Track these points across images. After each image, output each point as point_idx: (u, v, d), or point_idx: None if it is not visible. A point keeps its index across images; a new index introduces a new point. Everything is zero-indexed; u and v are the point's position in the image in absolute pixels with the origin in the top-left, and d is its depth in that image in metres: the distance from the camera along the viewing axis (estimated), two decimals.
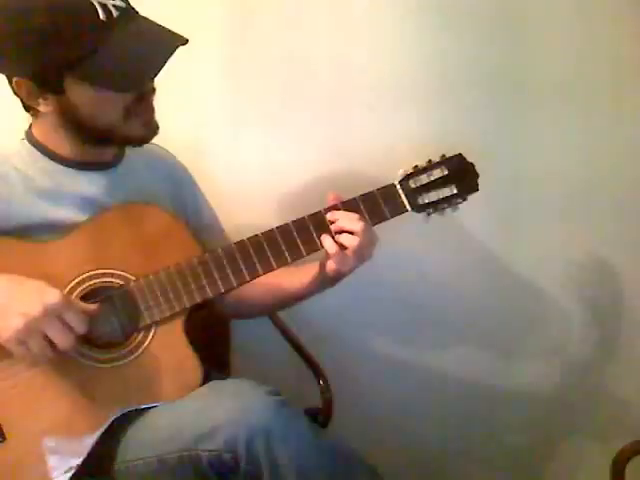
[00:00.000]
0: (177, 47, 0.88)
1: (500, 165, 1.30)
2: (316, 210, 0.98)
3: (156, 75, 0.91)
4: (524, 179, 1.36)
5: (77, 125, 0.94)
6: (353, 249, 0.95)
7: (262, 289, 1.09)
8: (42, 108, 0.93)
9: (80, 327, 0.85)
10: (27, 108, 0.97)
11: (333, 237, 0.97)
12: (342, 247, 0.96)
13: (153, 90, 0.96)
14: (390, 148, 1.30)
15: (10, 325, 0.81)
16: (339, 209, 0.98)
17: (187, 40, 0.89)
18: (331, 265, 0.96)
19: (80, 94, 0.90)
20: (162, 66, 0.88)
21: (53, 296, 0.83)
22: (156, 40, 0.90)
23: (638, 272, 1.40)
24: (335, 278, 1.00)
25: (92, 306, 0.90)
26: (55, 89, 0.90)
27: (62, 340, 0.84)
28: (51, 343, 0.84)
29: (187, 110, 1.31)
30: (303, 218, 0.98)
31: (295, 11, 1.29)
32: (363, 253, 0.97)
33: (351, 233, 0.95)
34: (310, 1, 1.29)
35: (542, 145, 1.35)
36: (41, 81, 0.89)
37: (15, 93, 0.93)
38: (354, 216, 0.96)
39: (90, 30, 0.85)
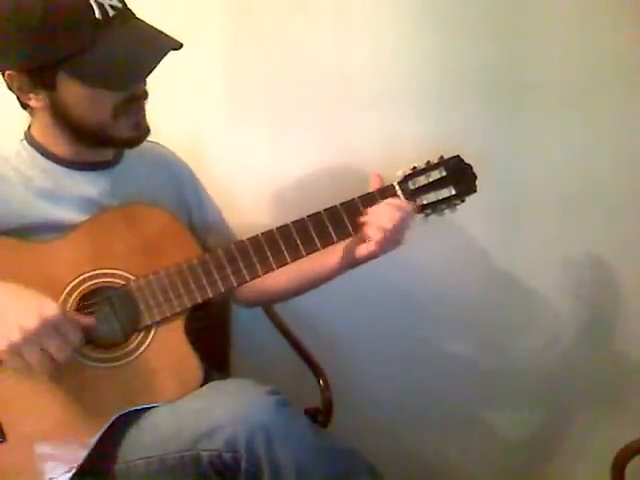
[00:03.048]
0: (169, 50, 0.88)
1: (499, 166, 1.31)
2: (316, 210, 0.98)
3: (146, 77, 0.91)
4: (523, 180, 1.37)
5: (68, 123, 0.94)
6: (390, 234, 0.95)
7: (285, 277, 1.08)
8: (33, 103, 0.93)
9: (76, 340, 0.84)
10: (22, 104, 0.97)
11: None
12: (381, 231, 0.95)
13: (145, 93, 0.96)
14: (389, 149, 1.30)
15: (6, 337, 0.80)
16: (339, 210, 0.98)
17: (181, 44, 0.89)
18: (369, 247, 0.96)
19: (70, 91, 0.90)
20: (152, 68, 0.88)
21: (50, 308, 0.82)
22: (149, 42, 0.90)
23: (636, 273, 1.40)
24: (362, 262, 1.00)
25: (89, 319, 0.90)
26: (46, 84, 0.90)
27: (59, 352, 0.82)
28: (49, 355, 0.82)
29: (188, 110, 1.32)
30: (303, 219, 0.98)
31: (297, 11, 1.29)
32: (399, 238, 0.97)
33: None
34: (312, 2, 1.29)
35: (541, 147, 1.35)
36: (33, 76, 0.89)
37: (8, 87, 0.93)
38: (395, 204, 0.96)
39: (85, 28, 0.86)
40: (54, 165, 0.98)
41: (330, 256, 1.03)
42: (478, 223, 1.36)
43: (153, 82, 0.95)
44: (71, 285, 0.93)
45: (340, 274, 1.05)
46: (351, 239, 0.99)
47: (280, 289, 1.12)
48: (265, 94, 1.33)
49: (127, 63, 0.88)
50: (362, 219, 0.97)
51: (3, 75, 0.92)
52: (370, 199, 0.99)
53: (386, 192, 0.99)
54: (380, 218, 0.95)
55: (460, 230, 1.39)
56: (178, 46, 0.89)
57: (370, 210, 0.97)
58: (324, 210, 0.98)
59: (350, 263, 1.01)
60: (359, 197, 0.99)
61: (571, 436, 1.51)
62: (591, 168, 1.35)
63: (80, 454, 0.90)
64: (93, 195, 0.99)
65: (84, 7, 0.86)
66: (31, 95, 0.92)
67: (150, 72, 0.89)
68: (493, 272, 1.41)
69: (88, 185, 1.00)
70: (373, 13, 1.30)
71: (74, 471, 0.89)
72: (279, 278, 1.07)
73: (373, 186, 1.00)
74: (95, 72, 0.87)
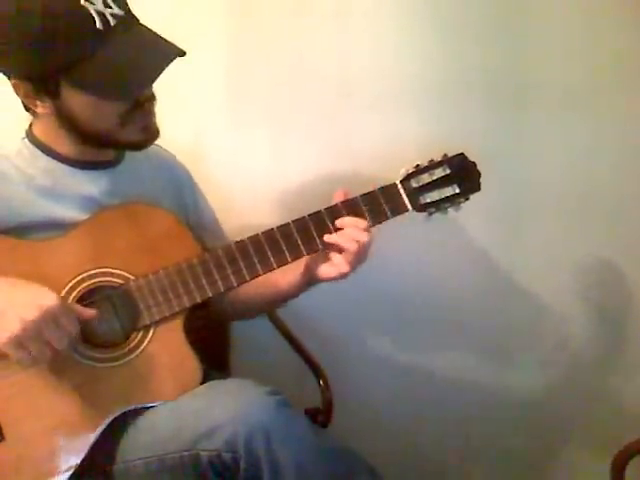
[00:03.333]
0: (173, 59, 0.88)
1: (502, 166, 1.30)
2: (317, 210, 0.98)
3: (148, 85, 0.91)
4: (526, 180, 1.36)
5: (74, 128, 0.94)
6: (355, 259, 0.96)
7: (253, 289, 1.08)
8: (39, 110, 0.93)
9: (73, 329, 0.85)
10: (26, 108, 0.97)
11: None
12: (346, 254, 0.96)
13: (153, 97, 0.96)
14: (391, 151, 1.29)
15: (7, 329, 0.81)
16: (340, 209, 0.98)
17: (184, 52, 0.89)
18: (330, 273, 0.97)
19: (75, 99, 0.90)
20: (156, 77, 0.88)
21: (50, 299, 0.83)
22: (152, 51, 0.90)
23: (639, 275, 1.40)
24: (325, 281, 1.00)
25: (90, 311, 0.90)
26: (51, 93, 0.90)
27: (57, 341, 0.83)
28: (48, 345, 0.83)
29: (190, 112, 1.32)
30: (304, 218, 0.98)
31: (298, 14, 1.29)
32: (360, 262, 0.98)
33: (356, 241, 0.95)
34: (313, 3, 1.29)
35: (543, 147, 1.35)
36: (36, 84, 0.89)
37: (16, 93, 0.93)
38: (361, 225, 0.96)
39: (85, 38, 0.85)
40: (56, 163, 0.98)
41: (291, 273, 1.04)
42: (479, 224, 1.36)
43: (155, 85, 0.95)
44: (70, 284, 0.93)
45: (302, 291, 1.06)
46: (314, 257, 1.00)
47: (248, 301, 1.12)
48: (266, 96, 1.33)
49: (128, 72, 0.88)
50: (330, 239, 0.97)
51: (9, 80, 0.92)
52: (372, 198, 0.98)
53: (388, 191, 0.99)
54: (347, 243, 0.95)
55: (461, 232, 1.38)
56: (182, 53, 0.89)
57: (340, 224, 0.97)
58: (325, 209, 0.98)
59: (312, 281, 1.03)
60: (361, 195, 0.99)
61: (572, 436, 1.51)
62: (593, 169, 1.35)
63: (79, 454, 0.89)
64: (94, 194, 0.99)
65: (84, 17, 0.85)
66: (37, 102, 0.92)
67: (153, 81, 0.89)
68: (494, 274, 1.41)
69: (89, 184, 0.99)
70: (374, 15, 1.30)
71: (72, 471, 0.89)
72: (248, 289, 1.07)
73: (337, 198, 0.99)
74: (96, 82, 0.87)
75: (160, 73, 0.87)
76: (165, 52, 0.89)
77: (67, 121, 0.93)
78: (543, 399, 1.48)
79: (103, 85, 0.88)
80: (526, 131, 1.34)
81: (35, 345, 0.82)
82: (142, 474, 0.90)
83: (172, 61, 0.88)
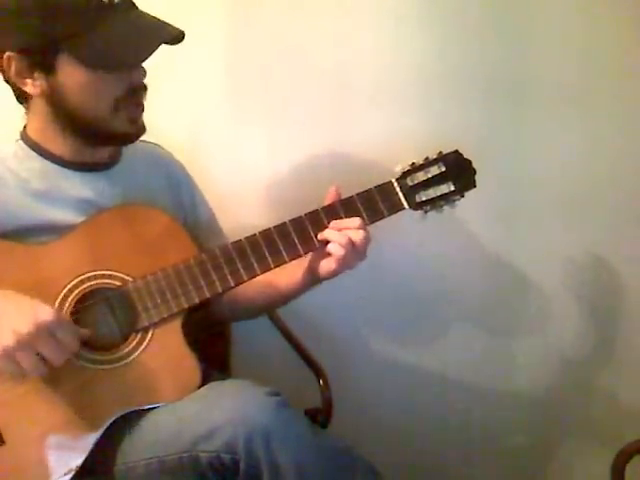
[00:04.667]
0: (172, 36, 0.89)
1: (499, 163, 1.30)
2: (314, 209, 0.98)
3: (147, 56, 0.90)
4: (523, 177, 1.36)
5: (64, 112, 0.93)
6: (355, 254, 0.96)
7: (253, 290, 1.09)
8: (30, 89, 0.92)
9: (72, 345, 0.85)
10: (19, 98, 0.97)
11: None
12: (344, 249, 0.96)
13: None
14: (389, 145, 1.29)
15: (0, 342, 0.80)
16: (337, 208, 0.98)
17: (184, 33, 0.90)
18: (330, 265, 0.97)
19: (71, 75, 0.90)
20: (153, 50, 0.88)
21: (45, 313, 0.81)
22: (153, 28, 0.91)
23: (637, 271, 1.40)
24: (327, 278, 1.00)
25: (85, 330, 0.90)
26: (46, 67, 0.89)
27: (55, 357, 0.83)
28: (43, 360, 0.83)
29: (187, 108, 1.31)
30: (301, 217, 0.98)
31: (296, 6, 1.29)
32: (361, 256, 0.98)
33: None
34: None
35: (541, 143, 1.35)
36: (33, 56, 0.89)
37: (3, 72, 0.93)
38: (354, 224, 0.96)
39: (89, 10, 0.86)
40: (50, 165, 0.98)
41: (294, 273, 1.04)
42: (476, 221, 1.36)
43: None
44: (68, 287, 0.93)
45: (304, 291, 1.06)
46: (314, 257, 1.00)
47: (248, 302, 1.12)
48: (264, 92, 1.33)
49: (127, 44, 0.88)
50: (325, 235, 0.97)
51: (1, 59, 0.91)
52: (368, 197, 0.98)
53: (384, 189, 0.99)
54: (337, 237, 0.95)
55: (459, 229, 1.38)
56: (180, 34, 0.89)
57: (333, 225, 0.97)
58: (322, 207, 0.98)
59: (313, 280, 1.03)
60: (357, 194, 0.98)
61: (571, 436, 1.50)
62: (591, 166, 1.35)
63: (79, 456, 0.89)
64: (90, 196, 0.99)
65: None
66: (28, 80, 0.91)
67: (151, 53, 0.88)
68: (494, 270, 1.41)
69: (85, 186, 0.99)
70: (372, 10, 1.30)
71: (73, 473, 0.88)
72: (247, 290, 1.07)
73: (328, 201, 0.99)
74: (94, 53, 0.87)
75: (158, 46, 0.88)
76: (166, 29, 0.90)
77: (57, 103, 0.92)
78: (543, 398, 1.48)
79: (100, 57, 0.88)
80: (524, 127, 1.34)
81: (27, 359, 0.81)
82: (142, 475, 0.90)
83: (172, 37, 0.89)
